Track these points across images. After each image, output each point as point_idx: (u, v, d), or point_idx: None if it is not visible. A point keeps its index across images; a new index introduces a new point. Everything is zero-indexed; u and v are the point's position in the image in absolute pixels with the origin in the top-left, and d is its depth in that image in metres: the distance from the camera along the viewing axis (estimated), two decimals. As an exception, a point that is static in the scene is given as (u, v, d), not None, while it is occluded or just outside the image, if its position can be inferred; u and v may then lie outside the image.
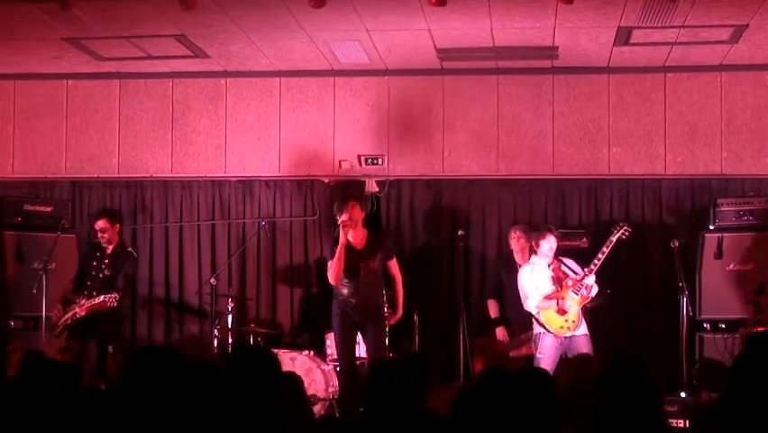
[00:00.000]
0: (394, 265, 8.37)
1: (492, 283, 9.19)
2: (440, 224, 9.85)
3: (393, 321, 8.43)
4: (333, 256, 8.12)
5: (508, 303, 8.91)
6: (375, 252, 8.21)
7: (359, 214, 8.19)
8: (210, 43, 8.98)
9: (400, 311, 8.38)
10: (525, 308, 8.29)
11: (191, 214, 10.10)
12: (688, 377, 8.20)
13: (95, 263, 8.69)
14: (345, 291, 8.15)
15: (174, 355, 3.96)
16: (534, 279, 8.28)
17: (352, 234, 8.12)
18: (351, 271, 8.11)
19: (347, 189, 9.01)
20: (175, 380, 3.78)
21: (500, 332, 8.75)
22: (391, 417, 4.16)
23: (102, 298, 8.25)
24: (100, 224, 8.74)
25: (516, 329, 8.74)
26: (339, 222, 8.08)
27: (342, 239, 8.07)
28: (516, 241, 8.92)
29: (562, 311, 8.15)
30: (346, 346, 8.20)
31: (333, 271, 8.09)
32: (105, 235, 8.68)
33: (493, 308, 8.96)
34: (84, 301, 8.38)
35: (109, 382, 7.17)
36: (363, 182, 9.87)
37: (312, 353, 9.10)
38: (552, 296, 8.16)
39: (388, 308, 8.43)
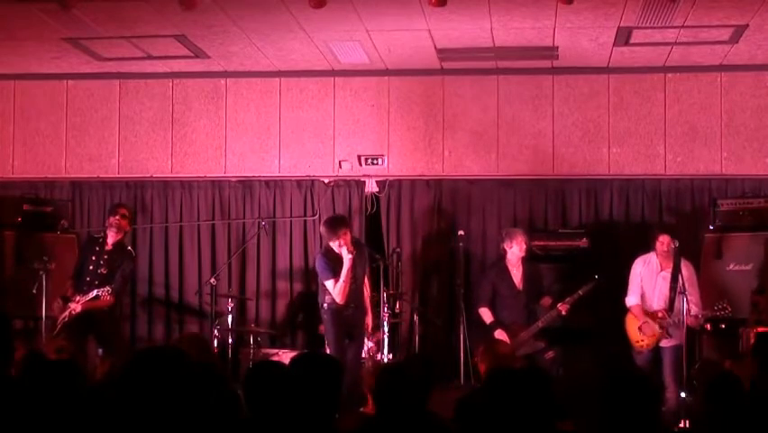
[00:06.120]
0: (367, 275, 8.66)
1: (485, 293, 8.89)
2: (440, 224, 9.85)
3: (371, 325, 8.67)
4: (332, 275, 8.25)
5: (505, 308, 8.80)
6: (363, 263, 8.45)
7: (350, 237, 8.42)
8: (210, 43, 8.98)
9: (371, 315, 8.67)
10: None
11: (191, 214, 10.10)
12: (688, 377, 8.19)
13: (93, 258, 8.67)
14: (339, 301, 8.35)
15: (175, 355, 3.95)
16: (645, 272, 8.64)
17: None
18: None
19: (334, 217, 8.79)
20: (175, 380, 3.77)
21: (500, 334, 8.69)
22: (399, 419, 4.14)
23: (95, 292, 8.26)
24: (123, 210, 8.84)
25: (516, 330, 8.70)
26: (345, 250, 8.20)
27: (348, 264, 8.20)
28: (520, 245, 8.81)
29: (642, 329, 8.50)
30: (340, 347, 8.31)
31: (341, 291, 8.24)
32: (118, 218, 8.72)
33: (487, 314, 8.83)
34: (80, 297, 8.38)
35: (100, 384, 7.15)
36: (363, 182, 9.88)
37: (311, 353, 9.10)
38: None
39: (388, 308, 8.66)
